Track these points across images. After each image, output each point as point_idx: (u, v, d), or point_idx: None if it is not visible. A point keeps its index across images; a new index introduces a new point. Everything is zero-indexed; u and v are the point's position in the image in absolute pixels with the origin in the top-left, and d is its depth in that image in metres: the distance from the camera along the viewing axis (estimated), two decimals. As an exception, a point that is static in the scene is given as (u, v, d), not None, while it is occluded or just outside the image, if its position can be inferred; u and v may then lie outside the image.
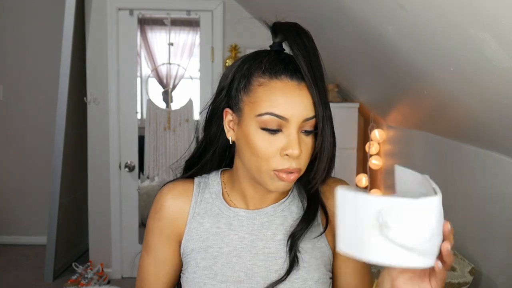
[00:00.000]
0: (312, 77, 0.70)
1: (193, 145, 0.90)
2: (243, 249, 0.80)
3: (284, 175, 0.72)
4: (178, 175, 0.89)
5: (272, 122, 0.71)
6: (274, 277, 0.78)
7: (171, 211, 0.84)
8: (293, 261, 0.77)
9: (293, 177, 0.73)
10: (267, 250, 0.80)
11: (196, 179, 0.87)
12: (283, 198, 0.84)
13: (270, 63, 0.74)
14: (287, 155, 0.71)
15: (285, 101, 0.71)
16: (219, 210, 0.83)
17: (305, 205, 0.82)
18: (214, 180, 0.86)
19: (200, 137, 0.86)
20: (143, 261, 0.87)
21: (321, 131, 0.71)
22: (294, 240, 0.78)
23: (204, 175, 0.88)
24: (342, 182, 0.87)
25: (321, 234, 0.81)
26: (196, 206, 0.84)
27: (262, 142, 0.72)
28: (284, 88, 0.71)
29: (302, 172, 0.74)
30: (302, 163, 0.73)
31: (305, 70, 0.70)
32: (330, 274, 0.83)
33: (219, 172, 0.87)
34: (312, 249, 0.80)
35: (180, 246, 0.84)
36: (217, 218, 0.82)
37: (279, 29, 0.77)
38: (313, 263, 0.79)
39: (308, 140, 0.73)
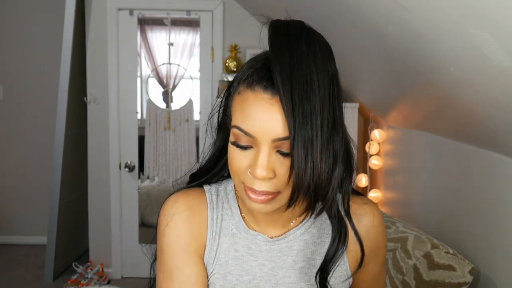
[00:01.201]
0: (287, 90, 0.57)
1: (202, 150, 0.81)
2: (262, 278, 0.73)
3: (251, 194, 0.63)
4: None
5: (241, 137, 0.62)
6: None
7: (191, 225, 0.73)
8: None
9: (264, 198, 0.63)
10: (287, 279, 0.73)
11: (206, 188, 0.77)
12: (301, 220, 0.75)
13: (254, 70, 0.64)
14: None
15: (254, 116, 0.60)
16: (236, 230, 0.74)
17: (325, 226, 0.75)
18: (228, 193, 0.77)
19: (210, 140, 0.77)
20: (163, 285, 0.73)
21: (293, 155, 0.58)
22: (323, 278, 0.70)
23: (213, 184, 0.78)
24: (368, 203, 0.78)
25: (354, 273, 0.75)
26: (213, 224, 0.74)
27: (234, 155, 0.64)
28: (255, 101, 0.61)
29: (283, 196, 0.63)
30: (278, 187, 0.62)
31: (278, 80, 0.58)
32: None
33: (231, 183, 0.77)
34: (336, 271, 0.74)
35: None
36: (234, 239, 0.74)
37: (269, 27, 0.65)
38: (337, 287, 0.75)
39: (287, 162, 0.61)
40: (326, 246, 0.73)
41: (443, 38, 1.10)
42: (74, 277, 2.83)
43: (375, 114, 2.62)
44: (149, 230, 3.12)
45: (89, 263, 2.99)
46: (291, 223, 0.74)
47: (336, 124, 0.63)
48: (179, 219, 0.73)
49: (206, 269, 0.74)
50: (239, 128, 0.62)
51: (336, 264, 0.71)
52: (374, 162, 2.60)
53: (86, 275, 2.85)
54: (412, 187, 2.09)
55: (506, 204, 1.32)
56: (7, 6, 3.49)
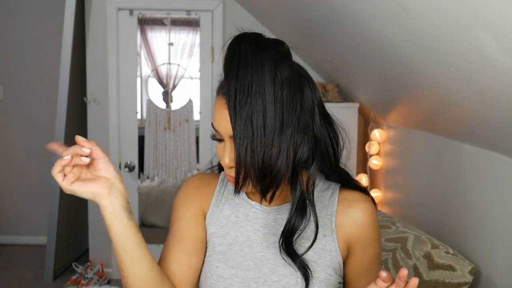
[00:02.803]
0: (232, 97, 0.70)
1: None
2: (255, 241, 0.84)
3: (228, 177, 0.79)
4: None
5: (216, 133, 0.78)
6: (281, 270, 0.81)
7: (199, 191, 0.90)
8: (299, 264, 0.80)
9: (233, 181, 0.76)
10: (277, 244, 0.81)
11: (222, 174, 0.93)
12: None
13: (221, 79, 0.79)
14: None
15: (217, 116, 0.76)
16: (238, 200, 0.88)
17: (318, 203, 0.85)
18: None
19: None
20: (167, 239, 0.88)
21: (235, 149, 0.71)
22: (286, 245, 0.79)
23: None
24: (362, 196, 0.86)
25: (310, 247, 0.80)
26: (219, 194, 0.90)
27: (217, 146, 0.80)
28: (218, 104, 0.76)
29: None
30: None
31: (226, 89, 0.72)
32: (340, 279, 0.85)
33: None
34: (322, 249, 0.82)
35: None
36: (236, 208, 0.88)
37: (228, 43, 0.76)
38: (320, 263, 0.81)
39: None
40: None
41: (443, 39, 1.10)
42: (74, 277, 2.83)
43: (375, 114, 2.62)
44: (149, 230, 3.12)
45: (89, 263, 2.99)
46: (289, 198, 0.83)
47: (287, 122, 0.71)
48: (189, 186, 0.91)
49: (205, 229, 0.88)
50: (212, 125, 0.78)
51: (297, 235, 0.79)
52: (374, 162, 2.60)
53: (86, 275, 2.85)
54: (412, 187, 2.09)
55: (506, 204, 1.32)
56: (7, 6, 3.49)
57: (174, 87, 3.05)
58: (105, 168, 0.75)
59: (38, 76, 3.53)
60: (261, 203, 0.87)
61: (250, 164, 0.71)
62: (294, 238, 0.79)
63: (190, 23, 3.01)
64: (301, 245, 0.81)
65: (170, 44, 2.96)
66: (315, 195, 0.84)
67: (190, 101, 2.97)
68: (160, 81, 3.09)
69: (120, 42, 2.92)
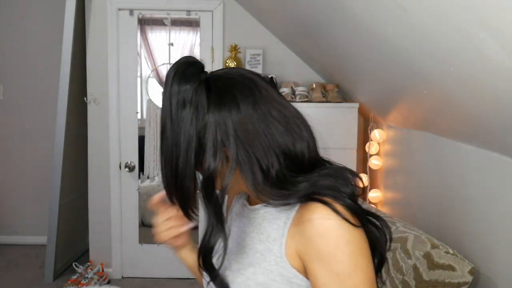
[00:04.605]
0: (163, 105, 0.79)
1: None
2: (232, 237, 0.91)
3: None
4: None
5: None
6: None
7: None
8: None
9: None
10: (242, 243, 0.86)
11: None
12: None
13: None
14: None
15: None
16: (243, 200, 0.96)
17: (282, 209, 0.84)
18: None
19: None
20: None
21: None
22: (202, 258, 0.83)
23: None
24: (319, 209, 0.77)
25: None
26: (238, 195, 1.01)
27: None
28: None
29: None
30: None
31: None
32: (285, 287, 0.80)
33: None
34: (267, 252, 0.81)
35: None
36: (239, 205, 0.97)
37: None
38: (264, 266, 0.80)
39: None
40: (274, 226, 0.82)
41: (443, 39, 1.10)
42: (74, 277, 2.83)
43: (375, 114, 2.62)
44: (149, 230, 3.12)
45: (89, 263, 3.00)
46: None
47: (188, 139, 0.77)
48: None
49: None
50: None
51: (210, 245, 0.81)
52: (374, 162, 2.60)
53: (86, 275, 2.85)
54: (412, 187, 2.09)
55: (506, 204, 1.32)
56: (7, 6, 3.49)
57: (174, 87, 3.04)
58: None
59: (38, 76, 3.53)
60: (249, 204, 0.92)
61: (163, 177, 0.81)
62: (213, 255, 0.81)
63: (190, 23, 3.01)
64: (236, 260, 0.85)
65: (170, 44, 2.97)
66: (265, 214, 0.85)
67: (190, 101, 2.97)
68: (160, 81, 3.09)
69: (120, 42, 2.92)
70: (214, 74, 0.82)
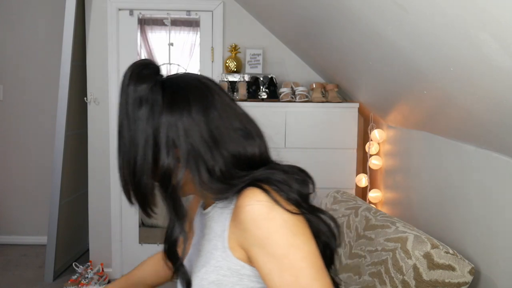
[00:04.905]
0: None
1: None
2: (193, 243, 0.94)
3: None
4: None
5: None
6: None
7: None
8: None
9: None
10: (196, 246, 0.90)
11: None
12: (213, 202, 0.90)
13: None
14: None
15: None
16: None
17: (224, 211, 0.86)
18: None
19: None
20: None
21: None
22: (168, 250, 0.87)
23: None
24: (250, 196, 0.78)
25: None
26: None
27: None
28: None
29: None
30: None
31: None
32: (250, 282, 0.81)
33: None
34: (213, 251, 0.84)
35: None
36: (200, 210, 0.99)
37: None
38: (212, 264, 0.82)
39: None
40: (218, 223, 0.85)
41: (443, 38, 1.11)
42: (74, 277, 2.83)
43: (375, 114, 2.62)
44: (149, 230, 3.12)
45: (89, 263, 3.00)
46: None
47: (135, 140, 0.84)
48: None
49: None
50: None
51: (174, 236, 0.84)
52: (374, 162, 2.60)
53: (86, 275, 2.85)
54: (412, 187, 2.09)
55: (506, 204, 1.32)
56: (7, 6, 3.49)
57: (174, 87, 3.05)
58: None
59: (38, 76, 3.53)
60: (202, 208, 0.94)
61: (120, 173, 0.87)
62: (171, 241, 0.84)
63: (190, 23, 3.01)
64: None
65: (170, 44, 2.97)
66: (213, 215, 0.87)
67: (190, 101, 2.97)
68: (160, 81, 3.09)
69: (120, 42, 2.92)
70: (169, 77, 0.84)
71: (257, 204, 0.76)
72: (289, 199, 0.78)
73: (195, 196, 1.06)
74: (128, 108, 0.80)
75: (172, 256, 0.86)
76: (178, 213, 0.82)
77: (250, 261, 0.80)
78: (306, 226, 0.78)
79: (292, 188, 0.80)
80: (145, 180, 0.81)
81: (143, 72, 0.81)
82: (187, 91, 0.81)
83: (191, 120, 0.79)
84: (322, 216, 0.83)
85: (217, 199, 0.84)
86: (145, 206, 0.84)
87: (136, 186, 0.82)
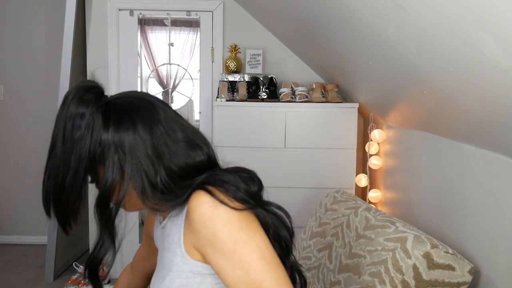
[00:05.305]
0: None
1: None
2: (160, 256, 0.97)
3: None
4: None
5: None
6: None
7: (148, 217, 1.17)
8: None
9: None
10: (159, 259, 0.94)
11: None
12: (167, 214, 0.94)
13: None
14: None
15: None
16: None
17: (177, 222, 0.89)
18: None
19: None
20: None
21: None
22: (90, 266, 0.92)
23: None
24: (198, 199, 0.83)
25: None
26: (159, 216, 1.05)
27: None
28: None
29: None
30: None
31: None
32: (210, 280, 0.85)
33: None
34: (173, 257, 0.87)
35: None
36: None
37: None
38: (174, 269, 0.85)
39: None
40: (175, 230, 0.88)
41: (442, 38, 1.11)
42: (74, 277, 2.83)
43: (375, 114, 2.62)
44: (149, 230, 3.12)
45: (89, 263, 2.99)
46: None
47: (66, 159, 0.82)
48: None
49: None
50: None
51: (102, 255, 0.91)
52: (374, 162, 2.60)
53: (86, 275, 2.85)
54: (412, 187, 2.10)
55: (506, 204, 1.32)
56: (7, 6, 3.49)
57: (174, 87, 3.05)
58: None
59: (38, 76, 3.53)
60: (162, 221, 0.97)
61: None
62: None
63: (190, 24, 3.01)
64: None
65: (170, 44, 2.97)
66: (170, 225, 0.90)
67: (190, 101, 2.97)
68: (160, 82, 3.09)
69: (120, 43, 2.92)
70: (113, 97, 0.86)
71: (202, 205, 0.79)
72: (235, 197, 0.81)
73: (150, 214, 1.10)
74: (65, 130, 0.80)
75: (93, 274, 0.91)
76: (111, 232, 0.86)
77: (206, 260, 0.83)
78: (254, 221, 0.81)
79: (239, 186, 0.83)
80: (72, 201, 0.85)
81: (85, 96, 0.82)
82: (132, 110, 0.84)
83: (138, 138, 0.82)
84: (271, 208, 0.86)
85: (165, 210, 0.87)
86: (65, 223, 0.88)
87: (61, 204, 0.85)
